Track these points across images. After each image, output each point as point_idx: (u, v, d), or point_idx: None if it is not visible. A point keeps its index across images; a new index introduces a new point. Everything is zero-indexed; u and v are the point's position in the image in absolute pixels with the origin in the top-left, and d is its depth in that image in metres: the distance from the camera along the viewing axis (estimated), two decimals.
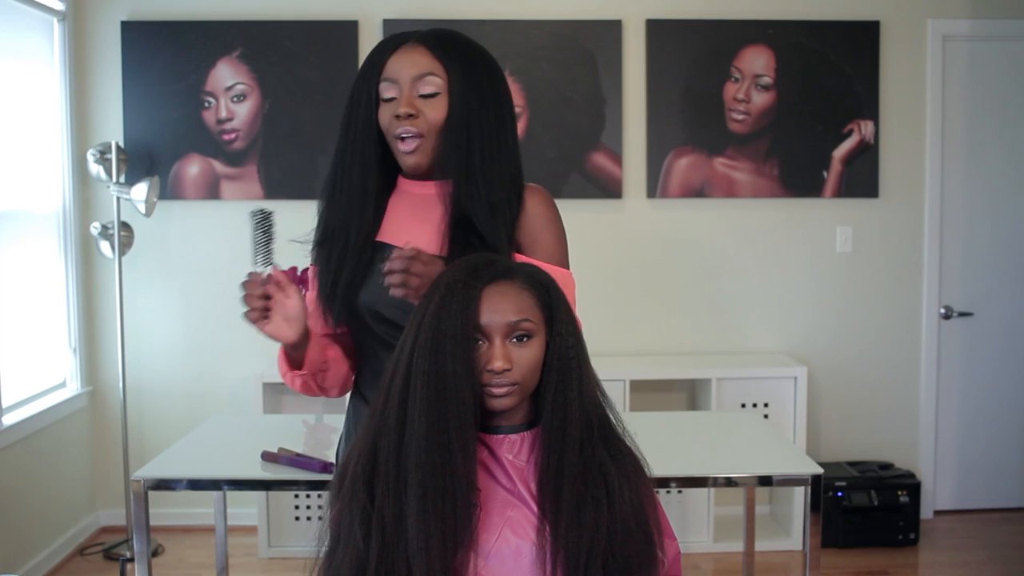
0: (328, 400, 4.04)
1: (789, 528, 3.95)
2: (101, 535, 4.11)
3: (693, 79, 4.09)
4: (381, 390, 1.44)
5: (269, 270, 1.61)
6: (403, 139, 1.66)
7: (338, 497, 1.43)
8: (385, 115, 1.67)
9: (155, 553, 3.89)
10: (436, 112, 1.65)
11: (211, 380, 4.15)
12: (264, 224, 1.63)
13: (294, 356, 1.69)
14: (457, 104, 1.65)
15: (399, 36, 1.70)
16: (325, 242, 1.74)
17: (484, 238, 1.65)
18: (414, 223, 1.70)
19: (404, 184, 1.75)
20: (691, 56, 4.09)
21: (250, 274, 1.62)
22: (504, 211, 1.68)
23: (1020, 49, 4.21)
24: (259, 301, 1.61)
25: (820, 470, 2.39)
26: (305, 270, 1.85)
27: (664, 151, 4.11)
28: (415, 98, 1.65)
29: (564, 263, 1.76)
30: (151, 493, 2.37)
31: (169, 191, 4.06)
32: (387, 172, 1.73)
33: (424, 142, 1.66)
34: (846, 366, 4.24)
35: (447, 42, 1.68)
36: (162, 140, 4.05)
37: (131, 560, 3.66)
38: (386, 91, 1.67)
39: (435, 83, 1.65)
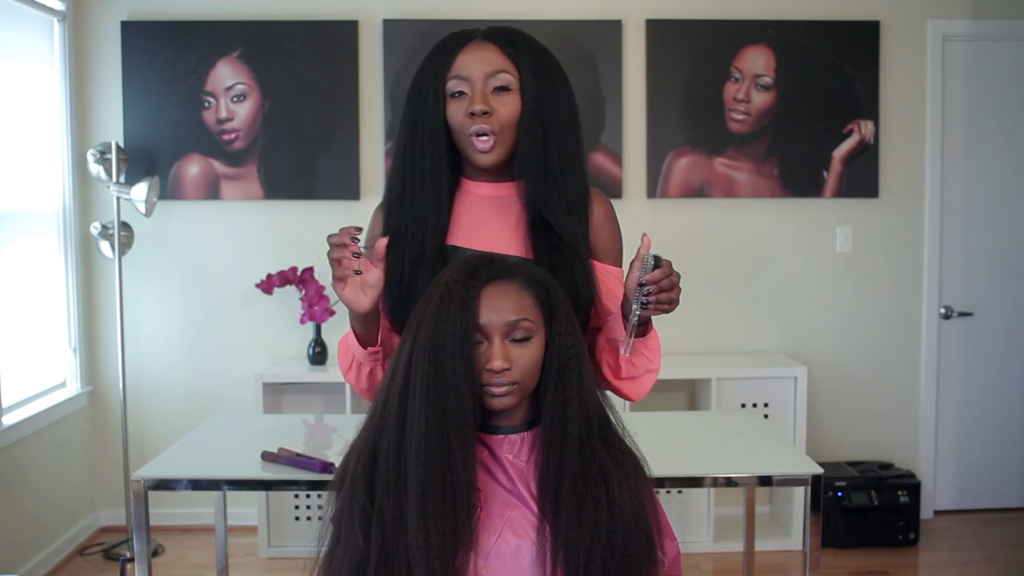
0: (328, 400, 4.04)
1: (789, 528, 3.95)
2: (101, 535, 4.11)
3: (693, 79, 4.09)
4: (381, 390, 1.44)
5: (364, 235, 1.50)
6: (478, 136, 1.61)
7: (338, 497, 1.43)
8: (457, 112, 1.61)
9: (155, 553, 3.89)
10: (510, 109, 1.61)
11: (211, 380, 4.15)
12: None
13: (365, 333, 1.60)
14: (531, 101, 1.62)
15: (462, 34, 1.66)
16: (395, 246, 1.64)
17: (563, 238, 1.63)
18: (486, 225, 1.67)
19: (469, 185, 1.70)
20: (691, 56, 4.08)
21: (343, 229, 1.50)
22: (579, 210, 1.67)
23: (1020, 49, 4.21)
24: (353, 263, 1.51)
25: (820, 470, 2.39)
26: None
27: (664, 151, 4.11)
28: (488, 95, 1.60)
29: (619, 263, 1.78)
30: (151, 493, 2.37)
31: (169, 191, 4.06)
32: (453, 172, 1.68)
33: (499, 139, 1.61)
34: (846, 366, 4.24)
35: (516, 39, 1.65)
36: (162, 140, 4.05)
37: (131, 560, 3.66)
38: (455, 87, 1.61)
39: (507, 79, 1.61)
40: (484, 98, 1.60)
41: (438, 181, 1.64)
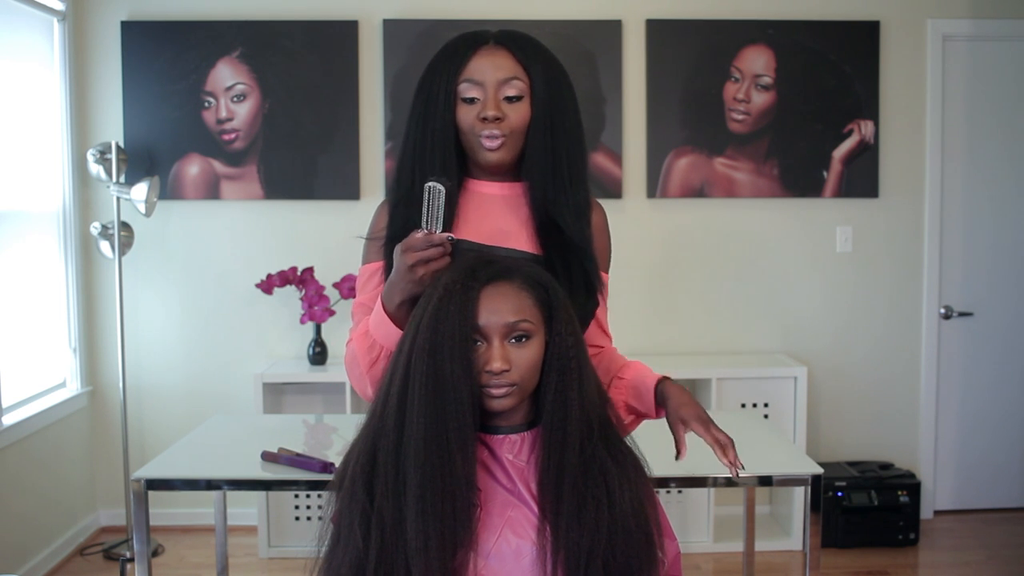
0: (328, 400, 4.04)
1: (789, 528, 3.95)
2: (101, 535, 4.11)
3: (693, 79, 4.09)
4: (380, 390, 1.44)
5: (448, 235, 1.51)
6: (488, 136, 1.64)
7: (338, 497, 1.43)
8: (468, 116, 1.65)
9: (155, 553, 3.89)
10: (520, 115, 1.65)
11: (211, 380, 4.15)
12: (438, 197, 1.54)
13: (401, 316, 1.57)
14: (540, 108, 1.66)
15: (474, 36, 1.70)
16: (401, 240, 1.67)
17: (573, 239, 1.67)
18: (495, 221, 1.70)
19: (475, 185, 1.73)
20: (691, 56, 4.08)
21: (427, 238, 1.51)
22: (585, 215, 1.72)
23: (1020, 49, 4.20)
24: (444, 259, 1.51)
25: (820, 470, 2.39)
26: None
27: (664, 151, 4.11)
28: (500, 101, 1.64)
29: (607, 270, 1.82)
30: (151, 493, 2.37)
31: (169, 191, 4.06)
32: (459, 171, 1.71)
33: (508, 141, 1.66)
34: (846, 366, 4.24)
35: (527, 45, 1.69)
36: (162, 140, 4.05)
37: (131, 560, 3.66)
38: (467, 91, 1.65)
39: (519, 87, 1.65)
40: (496, 104, 1.63)
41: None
